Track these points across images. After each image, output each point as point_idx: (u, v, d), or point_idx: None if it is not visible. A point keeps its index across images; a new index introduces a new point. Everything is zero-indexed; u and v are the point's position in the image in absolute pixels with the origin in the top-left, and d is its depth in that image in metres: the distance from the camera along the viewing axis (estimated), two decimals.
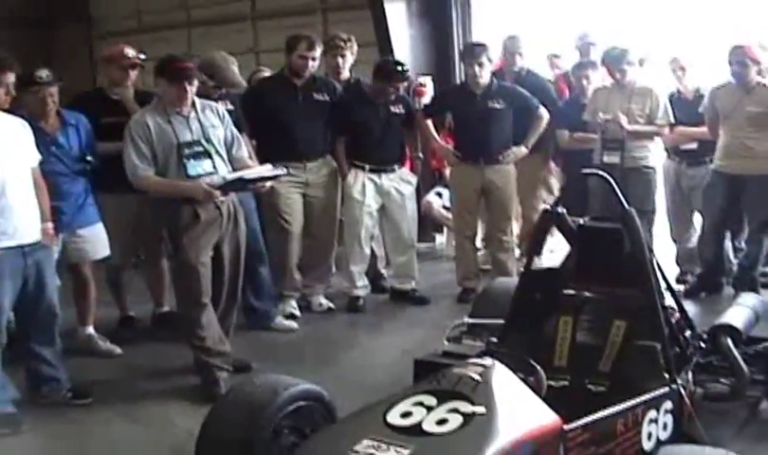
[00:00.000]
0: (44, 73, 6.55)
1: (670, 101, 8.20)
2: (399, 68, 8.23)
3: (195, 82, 6.28)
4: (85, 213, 6.87)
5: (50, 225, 5.97)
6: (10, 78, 5.75)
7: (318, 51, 7.91)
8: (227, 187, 6.18)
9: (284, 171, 6.87)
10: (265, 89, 8.02)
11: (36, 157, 5.94)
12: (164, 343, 7.18)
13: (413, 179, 8.50)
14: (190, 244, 6.16)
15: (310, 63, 7.86)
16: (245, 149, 6.61)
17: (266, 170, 6.59)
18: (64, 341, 6.27)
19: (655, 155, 8.30)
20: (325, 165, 8.13)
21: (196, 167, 6.15)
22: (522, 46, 8.75)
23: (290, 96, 7.89)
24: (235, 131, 6.53)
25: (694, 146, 8.31)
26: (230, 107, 7.25)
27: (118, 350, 7.17)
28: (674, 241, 8.63)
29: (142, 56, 7.51)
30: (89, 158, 6.74)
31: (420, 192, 9.35)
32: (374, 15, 10.81)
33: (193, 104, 6.31)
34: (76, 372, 6.40)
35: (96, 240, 6.96)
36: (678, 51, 8.51)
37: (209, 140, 6.24)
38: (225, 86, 7.19)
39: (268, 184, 6.79)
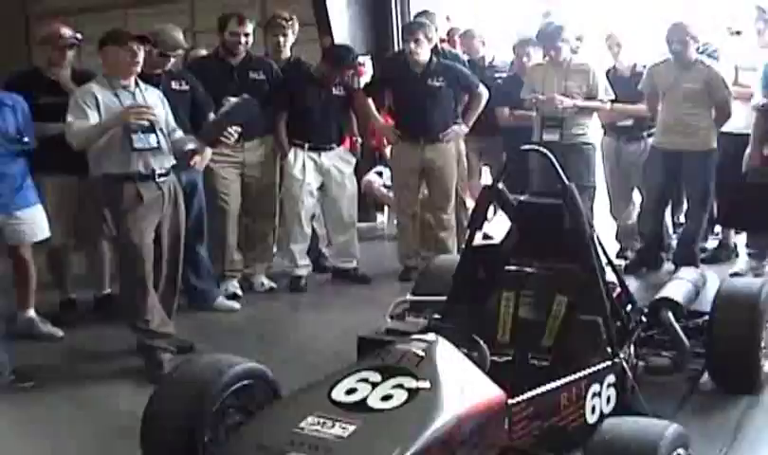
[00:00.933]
0: None
1: (607, 78, 8.25)
2: (350, 56, 8.30)
3: (143, 49, 6.23)
4: (23, 195, 6.76)
5: None
6: None
7: (249, 27, 7.87)
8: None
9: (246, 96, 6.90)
10: (201, 69, 7.91)
11: None
12: (106, 326, 7.12)
13: (353, 158, 8.49)
14: (133, 224, 6.11)
15: (242, 39, 7.82)
16: (180, 133, 6.54)
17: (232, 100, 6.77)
18: (6, 324, 6.20)
19: (593, 132, 8.35)
20: (263, 144, 8.10)
21: (142, 139, 6.12)
22: (436, 25, 8.70)
23: (226, 75, 7.83)
24: (173, 122, 6.48)
25: (629, 123, 8.39)
26: (185, 87, 7.27)
27: (60, 333, 7.09)
28: (614, 217, 8.71)
29: (79, 36, 7.43)
30: (26, 139, 6.65)
31: (360, 172, 9.32)
32: None
33: (137, 83, 6.28)
34: (18, 356, 6.32)
35: (34, 222, 6.87)
36: (613, 27, 8.57)
37: (153, 116, 6.18)
38: (167, 50, 7.05)
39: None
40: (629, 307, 5.30)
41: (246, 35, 7.85)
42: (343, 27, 10.65)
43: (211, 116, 6.75)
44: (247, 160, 7.97)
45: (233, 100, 6.74)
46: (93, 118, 6.02)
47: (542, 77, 8.23)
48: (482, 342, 4.21)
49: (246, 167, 7.99)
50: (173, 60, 7.16)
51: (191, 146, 6.59)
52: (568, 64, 8.15)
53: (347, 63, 8.26)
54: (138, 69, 6.24)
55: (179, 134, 6.50)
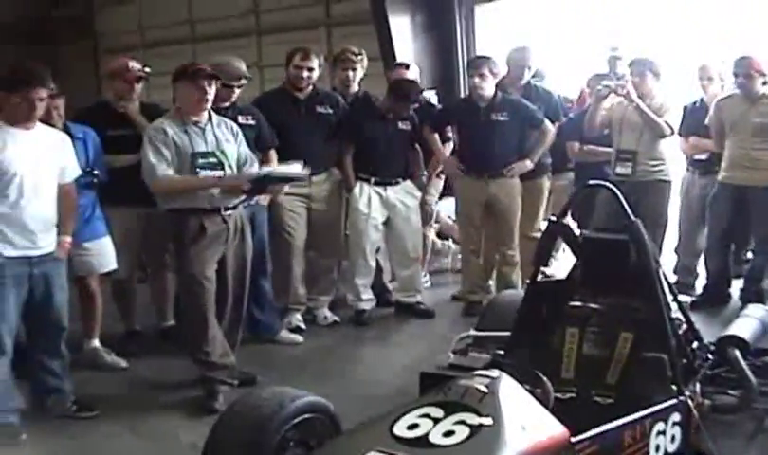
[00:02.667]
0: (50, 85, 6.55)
1: (691, 110, 8.21)
2: (415, 90, 8.34)
3: (214, 86, 6.27)
4: (92, 226, 6.84)
5: (68, 239, 5.95)
6: (42, 93, 5.67)
7: (314, 62, 7.89)
8: (256, 181, 6.24)
9: (307, 172, 6.82)
10: (268, 102, 7.95)
11: (74, 172, 6.01)
12: (169, 357, 7.13)
13: (418, 193, 8.46)
14: (196, 257, 6.14)
15: (305, 73, 7.83)
16: (256, 167, 6.55)
17: (293, 167, 6.59)
18: (70, 354, 6.24)
19: (673, 169, 8.26)
20: (329, 178, 8.13)
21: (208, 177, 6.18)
22: (531, 59, 8.65)
23: (292, 109, 7.88)
24: (248, 151, 6.51)
25: (704, 156, 8.32)
26: (252, 122, 7.30)
27: (123, 363, 7.13)
28: (676, 253, 8.62)
29: (147, 69, 7.52)
30: (96, 172, 6.71)
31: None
32: (379, 29, 10.85)
33: (210, 118, 6.32)
34: (81, 384, 6.37)
35: (102, 253, 6.94)
36: (707, 60, 8.50)
37: (223, 152, 6.24)
38: (230, 80, 7.03)
39: (286, 188, 7.12)
40: (695, 344, 5.23)
41: (311, 70, 7.87)
42: (409, 60, 10.66)
43: (255, 168, 6.59)
44: (314, 194, 7.98)
45: (287, 170, 6.68)
46: (166, 154, 6.07)
47: (622, 112, 8.15)
48: (545, 378, 4.16)
49: (313, 200, 8.00)
50: (237, 91, 7.17)
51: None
52: (650, 101, 8.01)
53: (413, 97, 8.26)
54: (208, 106, 6.28)
55: (255, 167, 6.50)
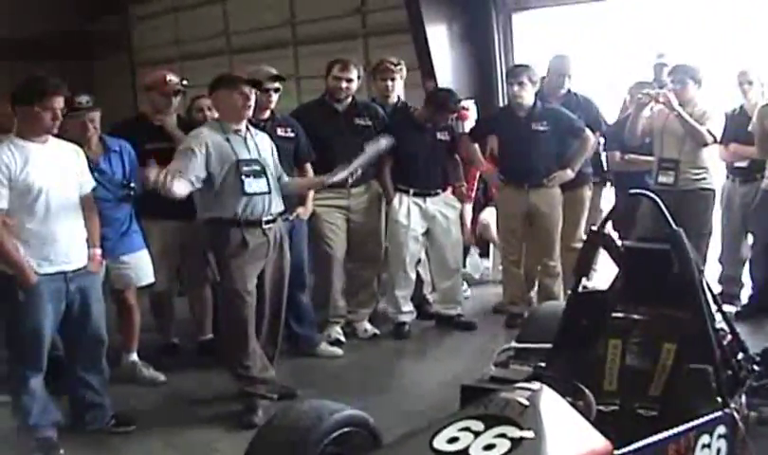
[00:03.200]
0: (84, 98, 6.59)
1: (731, 116, 8.17)
2: (452, 99, 8.31)
3: (254, 92, 6.32)
4: (129, 239, 6.88)
5: (98, 251, 5.98)
6: (59, 102, 5.72)
7: (353, 73, 7.94)
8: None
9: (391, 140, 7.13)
10: (307, 114, 7.99)
11: (89, 184, 5.99)
12: (208, 371, 7.17)
13: (458, 204, 8.46)
14: (237, 270, 6.17)
15: (344, 84, 7.89)
16: (286, 179, 6.65)
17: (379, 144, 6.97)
18: (109, 367, 6.28)
19: (714, 177, 8.19)
20: (369, 190, 8.15)
21: (253, 185, 6.19)
22: (571, 67, 8.61)
23: (332, 121, 7.93)
24: (278, 164, 6.56)
25: (745, 164, 8.28)
26: (291, 134, 7.34)
27: (161, 377, 7.16)
28: (720, 263, 8.58)
29: (185, 82, 7.57)
30: (132, 185, 6.74)
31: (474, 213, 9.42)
32: (416, 39, 10.85)
33: (247, 128, 6.37)
34: (119, 399, 6.41)
35: (140, 266, 6.98)
36: (747, 64, 8.45)
37: (264, 160, 6.30)
38: (265, 81, 7.04)
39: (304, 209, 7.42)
40: (740, 355, 5.18)
41: (350, 81, 7.91)
42: (447, 71, 10.69)
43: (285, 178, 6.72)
44: (353, 206, 8.01)
45: (373, 147, 6.89)
46: (198, 165, 6.11)
47: (663, 119, 8.10)
48: (587, 391, 4.15)
49: (352, 212, 8.03)
50: (275, 97, 7.20)
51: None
52: (693, 109, 7.92)
53: (450, 106, 8.27)
54: (250, 113, 6.33)
55: (285, 179, 6.59)
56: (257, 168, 6.23)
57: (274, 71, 7.27)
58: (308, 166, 7.48)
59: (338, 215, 7.97)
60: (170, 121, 7.33)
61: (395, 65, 8.54)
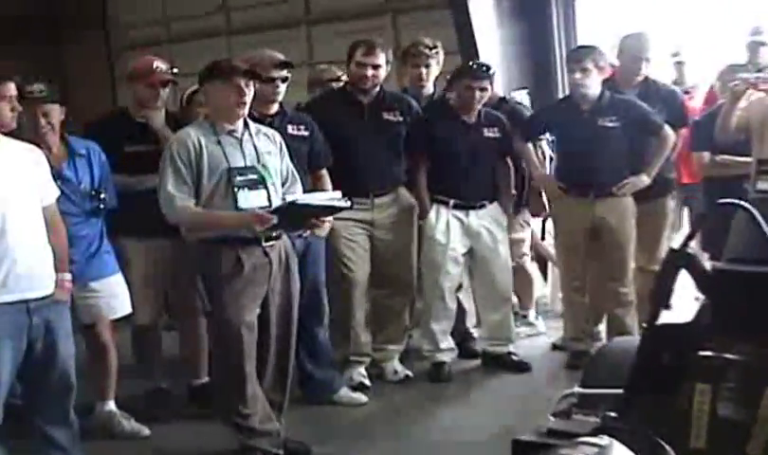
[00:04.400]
0: (37, 87, 6.54)
1: None
2: (486, 72, 8.17)
3: (252, 86, 6.33)
4: (100, 262, 6.85)
5: (68, 276, 5.91)
6: (11, 88, 5.73)
7: (380, 58, 7.89)
8: (280, 213, 6.12)
9: (349, 204, 6.70)
10: (325, 107, 7.99)
11: (53, 193, 5.91)
12: (201, 422, 7.15)
13: (506, 219, 8.46)
14: (231, 299, 6.18)
15: (369, 71, 7.84)
16: (300, 189, 6.59)
17: (332, 197, 6.61)
18: (80, 419, 6.24)
19: None
20: (397, 200, 8.11)
21: (249, 198, 6.18)
22: (649, 49, 8.54)
23: (354, 115, 7.92)
24: (291, 167, 6.56)
25: None
26: (304, 133, 7.34)
27: (146, 431, 7.14)
28: None
29: (175, 70, 7.57)
30: (103, 195, 6.73)
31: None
32: (456, 16, 10.85)
33: (246, 125, 6.38)
34: None
35: (114, 294, 6.94)
36: None
37: (264, 167, 6.30)
38: (269, 70, 7.02)
39: (328, 220, 6.92)
40: None
41: (376, 67, 7.86)
42: (494, 54, 10.64)
43: (298, 190, 6.60)
44: (377, 219, 7.97)
45: (290, 198, 6.38)
46: (188, 178, 6.14)
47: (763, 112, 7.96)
48: (668, 448, 4.11)
49: (377, 227, 7.99)
50: (282, 87, 7.17)
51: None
52: None
53: (479, 73, 8.12)
54: (245, 111, 6.33)
55: (297, 190, 6.54)
56: (253, 177, 6.25)
57: (280, 57, 7.26)
58: (324, 173, 7.46)
59: (359, 231, 7.93)
60: (157, 118, 7.34)
61: (431, 49, 8.54)
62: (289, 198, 6.27)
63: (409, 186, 8.20)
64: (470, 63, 8.44)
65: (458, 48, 10.66)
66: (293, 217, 6.33)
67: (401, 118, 8.05)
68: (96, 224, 6.82)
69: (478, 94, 8.09)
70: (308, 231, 7.06)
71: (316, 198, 6.56)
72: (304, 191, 6.62)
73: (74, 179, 6.67)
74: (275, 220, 6.08)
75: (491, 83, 8.28)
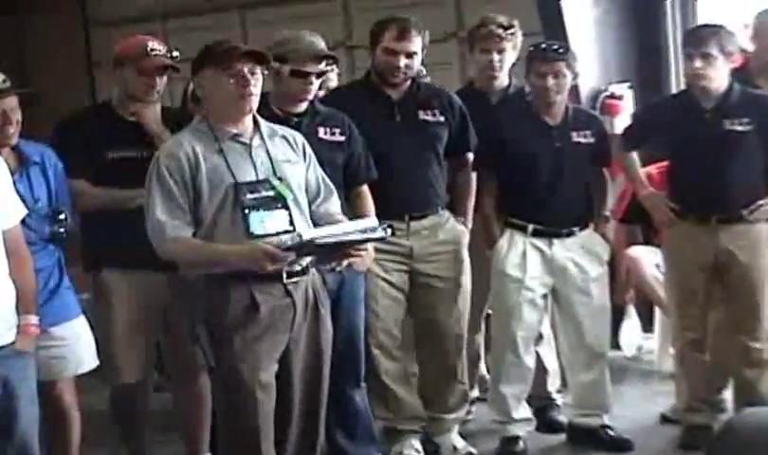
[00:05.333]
0: None
1: None
2: (562, 51, 8.12)
3: (260, 73, 6.28)
4: (60, 302, 6.87)
5: (34, 319, 6.00)
6: None
7: (415, 42, 7.78)
8: (297, 249, 6.03)
9: (389, 233, 6.51)
10: (343, 104, 7.83)
11: (18, 211, 6.01)
12: None
13: (604, 252, 8.42)
14: (243, 351, 6.15)
15: (402, 60, 7.75)
16: (336, 202, 6.63)
17: (366, 226, 6.36)
18: None
19: None
20: (442, 225, 8.07)
21: (264, 220, 6.12)
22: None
23: (381, 115, 7.90)
24: (322, 177, 6.57)
25: None
26: (340, 138, 7.36)
27: None
28: None
29: (175, 54, 7.59)
30: (63, 216, 6.76)
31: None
32: None
33: (257, 126, 6.36)
34: None
35: (77, 343, 6.97)
36: None
37: (282, 180, 6.25)
38: (305, 62, 7.08)
39: (368, 250, 6.69)
40: None
41: (410, 55, 7.77)
42: (589, 38, 10.64)
43: (334, 210, 6.59)
44: (417, 249, 7.93)
45: (309, 233, 6.17)
46: (182, 200, 6.11)
47: None
48: None
49: (416, 260, 7.96)
50: (315, 84, 7.20)
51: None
52: None
53: (554, 62, 8.01)
54: (251, 106, 6.28)
55: (333, 205, 6.57)
56: (269, 194, 6.19)
57: (320, 45, 7.29)
58: (365, 190, 7.51)
59: (394, 265, 7.89)
60: (151, 115, 7.37)
61: (505, 29, 8.53)
62: (306, 234, 6.08)
63: (466, 202, 8.24)
64: (539, 44, 8.37)
65: (541, 29, 10.65)
66: (317, 252, 6.24)
67: (441, 118, 8.02)
68: (54, 253, 6.85)
69: (551, 81, 8.01)
70: (344, 263, 6.85)
71: (343, 230, 6.30)
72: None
73: (28, 195, 6.64)
74: (291, 256, 6.07)
75: (571, 68, 8.17)
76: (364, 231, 6.30)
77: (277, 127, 6.55)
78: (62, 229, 6.77)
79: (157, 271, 6.98)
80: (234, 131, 6.27)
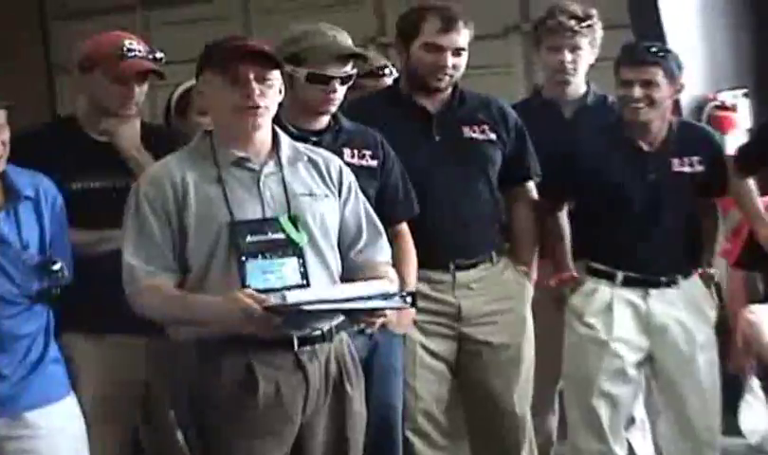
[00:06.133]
0: None
1: None
2: (658, 54, 8.02)
3: (274, 80, 6.11)
4: (42, 380, 6.69)
5: None
6: None
7: (463, 35, 7.72)
8: (280, 313, 5.76)
9: (408, 303, 6.23)
10: (368, 118, 7.67)
11: None
12: None
13: (712, 306, 8.38)
14: (238, 442, 6.07)
15: (448, 58, 7.68)
16: (385, 249, 6.50)
17: (378, 291, 6.02)
18: None
19: None
20: (499, 276, 8.05)
21: (267, 271, 5.99)
22: None
23: (416, 132, 7.84)
24: (367, 212, 6.45)
25: None
26: (371, 162, 7.23)
27: None
28: None
29: (159, 55, 7.51)
30: (57, 267, 6.69)
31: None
32: None
33: (276, 147, 6.21)
34: None
35: (58, 435, 6.82)
36: None
37: (296, 220, 6.09)
38: (321, 65, 6.92)
39: (378, 322, 6.36)
40: None
41: (458, 53, 7.73)
42: (692, 34, 10.61)
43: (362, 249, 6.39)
44: (467, 309, 7.90)
45: (305, 296, 5.94)
46: (163, 241, 5.98)
47: None
48: None
49: (464, 321, 7.91)
50: (340, 91, 7.03)
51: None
52: None
53: (644, 67, 7.92)
54: (263, 122, 6.13)
55: (379, 252, 6.45)
56: (277, 237, 6.04)
57: (346, 42, 7.17)
58: (404, 230, 7.40)
59: (435, 328, 7.82)
60: (127, 133, 7.29)
61: (580, 20, 8.51)
62: (293, 296, 5.78)
63: (549, 251, 8.20)
64: (628, 44, 8.33)
65: (629, 21, 10.62)
66: (309, 319, 6.02)
67: (492, 135, 7.93)
68: (41, 315, 6.67)
69: (639, 92, 7.90)
70: (376, 324, 6.53)
71: (347, 294, 6.00)
72: None
73: (15, 239, 6.53)
74: (276, 320, 5.80)
75: (670, 77, 8.06)
76: (375, 298, 6.03)
77: (305, 148, 6.41)
78: (54, 285, 6.58)
79: (135, 335, 6.95)
80: (240, 154, 6.11)
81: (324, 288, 6.06)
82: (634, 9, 10.68)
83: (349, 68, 7.09)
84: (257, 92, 6.01)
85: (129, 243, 6.03)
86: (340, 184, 6.35)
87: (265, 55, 6.12)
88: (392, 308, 6.22)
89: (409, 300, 6.13)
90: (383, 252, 6.46)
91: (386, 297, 6.01)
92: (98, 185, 7.01)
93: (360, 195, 6.44)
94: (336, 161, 6.45)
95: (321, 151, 6.47)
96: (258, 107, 6.03)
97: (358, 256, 6.33)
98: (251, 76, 6.00)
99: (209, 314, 5.94)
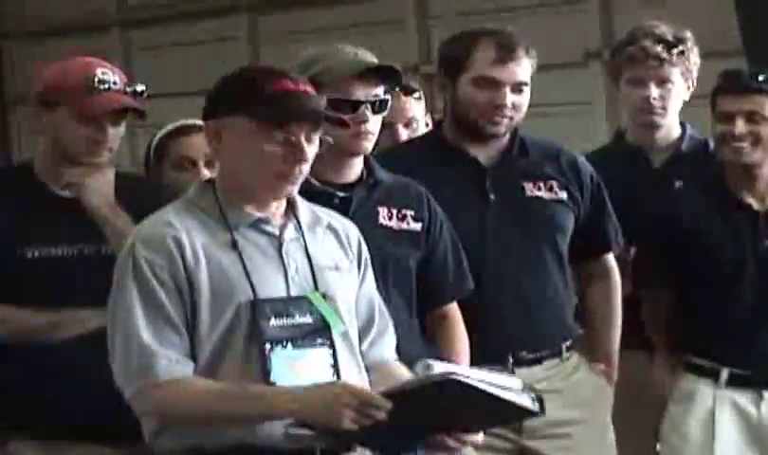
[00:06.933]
0: None
1: None
2: (738, 71, 8.12)
3: (319, 133, 5.90)
4: None
5: None
6: None
7: (525, 66, 7.70)
8: (415, 393, 5.57)
9: (537, 407, 5.96)
10: (407, 173, 7.56)
11: None
12: None
13: None
14: None
15: (506, 96, 7.62)
16: (391, 345, 6.39)
17: (505, 384, 5.82)
18: None
19: None
20: (571, 374, 8.05)
21: (294, 363, 5.85)
22: None
23: (465, 190, 7.82)
24: (377, 297, 6.35)
25: None
26: (415, 226, 7.14)
27: None
28: None
29: (140, 88, 7.48)
30: None
31: None
32: None
33: (293, 208, 6.08)
34: None
35: None
36: None
37: (328, 299, 5.95)
38: (336, 89, 6.77)
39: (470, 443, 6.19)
40: None
41: (519, 89, 7.68)
42: None
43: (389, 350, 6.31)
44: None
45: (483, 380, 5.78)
46: (176, 316, 5.77)
47: None
48: None
49: (529, 434, 7.85)
50: (373, 121, 6.86)
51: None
52: None
53: (747, 96, 7.95)
54: (301, 176, 5.93)
55: (387, 348, 6.35)
56: (305, 320, 5.91)
57: (367, 56, 7.06)
58: (454, 311, 7.34)
59: (490, 440, 7.32)
60: (97, 186, 7.29)
61: (670, 46, 8.51)
62: (438, 367, 5.61)
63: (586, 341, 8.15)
64: (729, 71, 8.30)
65: (741, 46, 10.65)
66: (410, 415, 5.68)
67: (563, 194, 7.92)
68: None
69: (743, 127, 7.91)
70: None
71: (484, 377, 5.71)
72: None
73: None
74: (387, 407, 5.48)
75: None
76: (512, 390, 5.81)
77: (321, 211, 6.26)
78: None
79: (102, 443, 6.93)
80: (257, 214, 5.97)
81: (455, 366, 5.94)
82: (748, 32, 10.68)
83: (381, 92, 6.93)
84: (307, 151, 5.83)
85: (138, 320, 5.72)
86: (359, 258, 6.26)
87: (317, 113, 5.96)
88: (524, 407, 5.90)
89: (537, 404, 5.92)
90: (391, 349, 6.35)
91: (515, 391, 5.81)
92: (59, 253, 6.96)
93: (372, 274, 6.31)
94: (354, 230, 6.31)
95: (336, 215, 6.33)
96: (302, 162, 5.86)
97: (368, 352, 6.20)
98: (303, 137, 5.83)
99: (292, 405, 5.64)
